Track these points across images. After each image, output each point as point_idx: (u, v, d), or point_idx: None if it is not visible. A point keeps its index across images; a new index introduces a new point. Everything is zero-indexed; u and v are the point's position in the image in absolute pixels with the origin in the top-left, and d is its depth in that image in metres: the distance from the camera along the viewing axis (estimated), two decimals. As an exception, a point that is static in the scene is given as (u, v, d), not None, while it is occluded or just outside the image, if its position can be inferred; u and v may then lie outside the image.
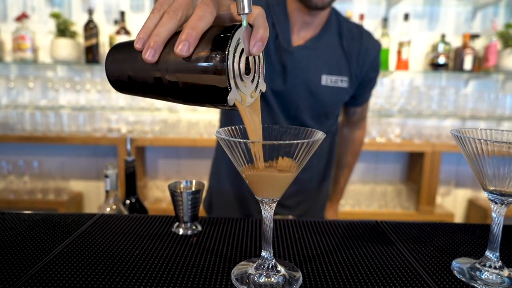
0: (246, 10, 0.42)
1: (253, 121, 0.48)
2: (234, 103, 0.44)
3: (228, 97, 0.42)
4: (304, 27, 1.05)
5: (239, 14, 0.43)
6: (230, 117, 1.12)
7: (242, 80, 0.45)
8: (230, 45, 0.41)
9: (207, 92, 0.43)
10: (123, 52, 0.49)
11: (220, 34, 0.42)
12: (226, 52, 0.41)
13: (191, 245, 0.60)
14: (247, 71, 0.46)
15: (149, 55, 0.43)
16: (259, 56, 0.49)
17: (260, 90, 0.50)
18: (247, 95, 0.46)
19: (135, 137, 2.26)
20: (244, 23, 0.43)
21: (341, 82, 1.07)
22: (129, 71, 0.48)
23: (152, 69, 0.45)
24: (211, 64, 0.41)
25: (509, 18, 2.42)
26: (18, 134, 2.29)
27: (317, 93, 1.05)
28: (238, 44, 0.43)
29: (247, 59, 0.46)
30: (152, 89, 0.47)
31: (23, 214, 0.72)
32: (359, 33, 1.11)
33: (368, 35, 1.12)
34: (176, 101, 0.47)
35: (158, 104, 2.36)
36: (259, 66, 0.49)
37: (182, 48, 0.41)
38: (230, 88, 0.42)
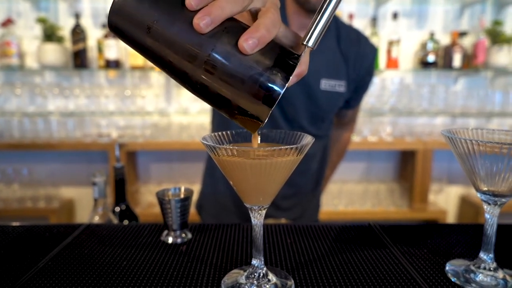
0: (311, 44, 0.40)
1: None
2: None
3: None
4: (303, 30, 1.05)
5: (303, 44, 0.40)
6: (225, 119, 1.10)
7: None
8: (290, 78, 0.38)
9: (238, 108, 0.39)
10: None
11: (286, 59, 0.39)
12: (286, 85, 0.38)
13: (181, 254, 0.59)
14: None
15: (204, 22, 0.35)
16: None
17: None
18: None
19: (126, 141, 2.24)
20: (303, 54, 0.41)
21: (339, 86, 1.07)
22: (152, 26, 0.36)
23: (191, 42, 0.36)
24: (266, 84, 0.37)
25: (496, 15, 2.44)
26: (6, 142, 2.25)
27: (316, 97, 1.05)
28: None
29: None
30: (170, 66, 0.38)
31: (6, 226, 0.70)
32: (357, 37, 1.11)
33: (365, 40, 1.13)
34: (187, 88, 0.40)
35: (148, 108, 2.34)
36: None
37: (249, 42, 0.35)
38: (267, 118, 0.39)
